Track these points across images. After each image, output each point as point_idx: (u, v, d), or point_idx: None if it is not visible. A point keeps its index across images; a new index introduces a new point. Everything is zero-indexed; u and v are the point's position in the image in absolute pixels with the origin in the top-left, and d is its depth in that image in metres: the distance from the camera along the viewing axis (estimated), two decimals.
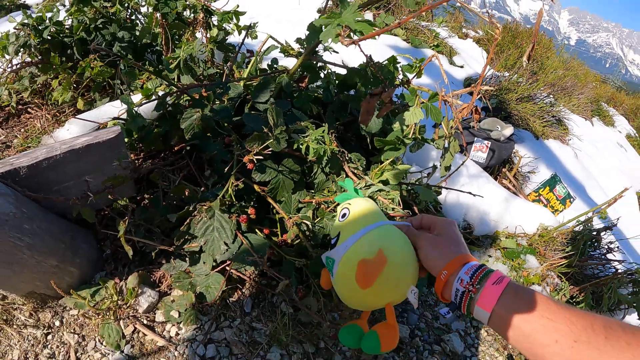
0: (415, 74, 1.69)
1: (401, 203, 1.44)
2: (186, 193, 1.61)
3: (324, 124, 1.49)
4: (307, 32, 1.43)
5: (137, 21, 2.60)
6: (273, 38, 2.04)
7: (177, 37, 2.46)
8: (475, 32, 6.29)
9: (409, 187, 1.71)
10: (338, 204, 1.52)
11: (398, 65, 1.70)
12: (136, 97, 1.98)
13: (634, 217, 5.64)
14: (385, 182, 1.52)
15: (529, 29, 6.29)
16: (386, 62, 1.65)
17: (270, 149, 1.37)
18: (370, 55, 1.46)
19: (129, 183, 1.68)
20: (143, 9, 2.68)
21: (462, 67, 4.94)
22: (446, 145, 1.74)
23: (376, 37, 1.20)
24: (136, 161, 1.93)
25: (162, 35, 2.35)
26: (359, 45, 1.10)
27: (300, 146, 1.46)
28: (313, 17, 4.46)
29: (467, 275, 0.73)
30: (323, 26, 1.24)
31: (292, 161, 1.53)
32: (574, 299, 2.47)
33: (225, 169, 1.44)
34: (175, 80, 2.04)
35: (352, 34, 1.23)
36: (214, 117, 1.62)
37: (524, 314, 0.66)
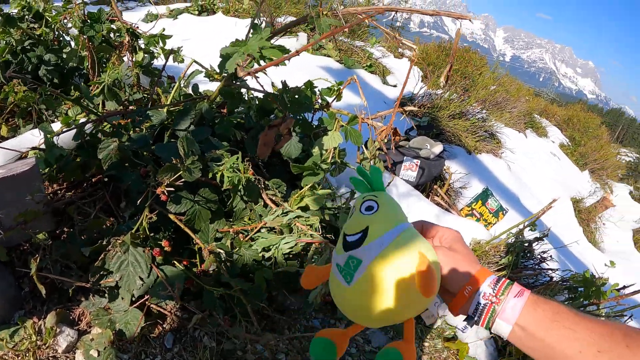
0: (334, 97, 1.72)
1: (320, 229, 1.45)
2: (106, 225, 1.56)
3: (241, 152, 1.49)
4: (220, 60, 1.43)
5: (65, 43, 2.53)
6: (197, 62, 2.03)
7: (104, 60, 2.41)
8: (411, 51, 6.47)
9: (334, 211, 1.72)
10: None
11: (316, 89, 1.72)
12: (58, 125, 1.91)
13: (569, 224, 5.91)
14: (306, 208, 1.53)
15: (463, 47, 6.59)
16: (303, 86, 1.67)
17: (183, 180, 1.35)
18: (284, 81, 1.48)
19: (46, 217, 1.61)
20: (72, 31, 2.61)
21: (395, 86, 5.08)
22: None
23: (286, 62, 1.22)
24: (58, 192, 1.86)
25: (88, 59, 2.29)
26: (255, 77, 1.12)
27: (216, 175, 1.45)
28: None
29: (490, 288, 0.71)
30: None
31: (210, 190, 1.51)
32: None
33: (139, 201, 1.41)
34: (101, 105, 1.99)
35: (261, 60, 1.24)
36: (131, 146, 1.59)
37: (546, 326, 0.65)
